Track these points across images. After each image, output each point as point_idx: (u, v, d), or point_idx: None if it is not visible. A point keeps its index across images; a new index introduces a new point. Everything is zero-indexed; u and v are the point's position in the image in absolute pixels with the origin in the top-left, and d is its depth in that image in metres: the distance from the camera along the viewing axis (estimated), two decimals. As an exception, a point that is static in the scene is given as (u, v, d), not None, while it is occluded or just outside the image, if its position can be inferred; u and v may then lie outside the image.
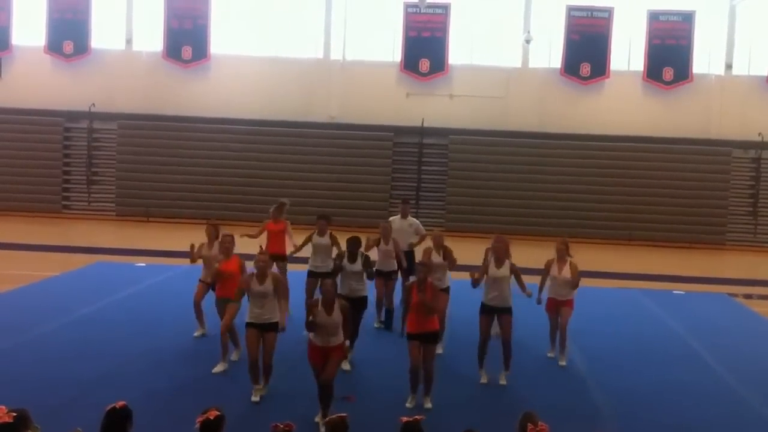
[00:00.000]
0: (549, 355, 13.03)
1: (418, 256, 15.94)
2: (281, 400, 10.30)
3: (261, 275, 10.45)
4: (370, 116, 29.78)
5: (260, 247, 11.18)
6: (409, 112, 29.73)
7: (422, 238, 16.08)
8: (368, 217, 26.04)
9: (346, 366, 11.59)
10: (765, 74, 29.55)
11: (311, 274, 13.91)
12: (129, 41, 30.84)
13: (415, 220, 16.65)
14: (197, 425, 6.55)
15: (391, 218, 16.27)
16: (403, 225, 15.76)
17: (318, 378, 9.69)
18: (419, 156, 30.20)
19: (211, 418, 6.53)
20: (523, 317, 12.99)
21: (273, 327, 10.42)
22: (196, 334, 13.39)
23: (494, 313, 11.72)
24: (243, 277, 11.05)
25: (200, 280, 13.39)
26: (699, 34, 29.57)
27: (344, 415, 6.84)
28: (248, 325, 10.50)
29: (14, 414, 6.11)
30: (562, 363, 12.78)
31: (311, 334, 9.73)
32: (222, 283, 11.95)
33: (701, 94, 29.62)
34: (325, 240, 13.86)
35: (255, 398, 10.32)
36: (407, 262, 15.26)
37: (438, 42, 29.86)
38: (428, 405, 10.35)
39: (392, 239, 14.62)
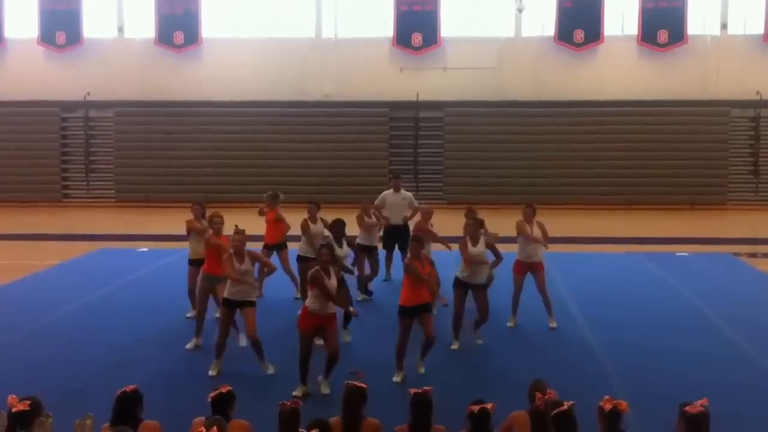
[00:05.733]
0: (509, 324, 12.87)
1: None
2: (287, 378, 10.28)
3: (239, 254, 10.64)
4: (364, 93, 29.73)
5: (235, 226, 11.15)
6: (404, 87, 29.65)
7: (416, 211, 16.12)
8: (367, 193, 25.96)
9: (346, 338, 11.81)
10: (761, 32, 29.44)
11: (301, 260, 13.82)
12: (121, 29, 30.78)
13: (408, 193, 16.62)
14: (209, 400, 6.62)
15: (384, 192, 16.24)
16: (396, 198, 15.85)
17: (303, 349, 9.89)
18: (415, 130, 30.16)
19: (224, 392, 6.63)
20: (528, 288, 13.04)
21: (249, 304, 10.63)
22: (188, 315, 13.28)
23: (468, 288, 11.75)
24: (223, 261, 10.88)
25: (189, 261, 13.29)
26: (693, -6, 29.44)
27: (364, 386, 6.87)
28: (224, 301, 10.76)
29: (29, 402, 6.14)
30: (553, 325, 12.77)
31: (308, 302, 9.90)
32: (210, 258, 11.94)
33: (697, 56, 29.54)
34: (318, 227, 13.79)
35: (212, 372, 10.50)
36: (402, 236, 15.33)
37: (430, 15, 29.72)
38: (422, 371, 10.40)
39: (373, 212, 14.99)
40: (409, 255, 10.63)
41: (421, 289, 10.36)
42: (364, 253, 14.71)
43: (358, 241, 14.59)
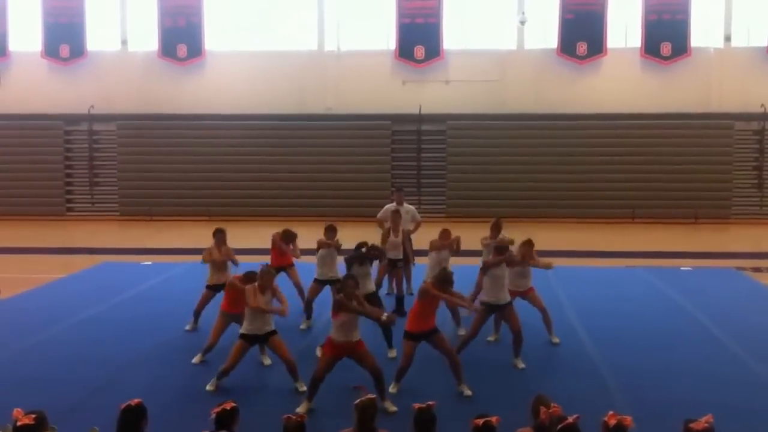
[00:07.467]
0: (489, 339, 12.77)
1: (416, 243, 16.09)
2: (292, 393, 10.29)
3: (263, 290, 10.41)
4: (366, 106, 29.75)
5: (261, 264, 11.03)
6: (406, 100, 29.68)
7: (418, 225, 16.05)
8: (369, 206, 26.08)
9: (392, 353, 11.67)
10: (765, 45, 29.41)
11: (317, 282, 13.70)
12: (124, 42, 30.86)
13: (411, 207, 16.53)
14: (212, 416, 6.59)
15: (386, 206, 16.13)
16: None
17: (320, 369, 9.75)
18: (418, 143, 30.16)
19: (227, 408, 6.59)
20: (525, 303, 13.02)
21: (271, 334, 10.42)
22: (187, 328, 13.37)
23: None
24: (247, 292, 10.53)
25: (207, 286, 13.32)
26: (696, 6, 29.35)
27: (373, 396, 6.86)
28: (242, 336, 10.41)
29: (34, 416, 6.14)
30: (556, 340, 12.73)
31: (333, 333, 9.77)
32: (229, 297, 11.69)
33: (701, 68, 29.48)
34: (331, 249, 13.62)
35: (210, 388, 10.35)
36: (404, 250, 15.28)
37: (432, 28, 29.76)
38: (468, 392, 10.25)
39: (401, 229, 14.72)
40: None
41: (428, 317, 10.29)
42: (386, 266, 14.39)
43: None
